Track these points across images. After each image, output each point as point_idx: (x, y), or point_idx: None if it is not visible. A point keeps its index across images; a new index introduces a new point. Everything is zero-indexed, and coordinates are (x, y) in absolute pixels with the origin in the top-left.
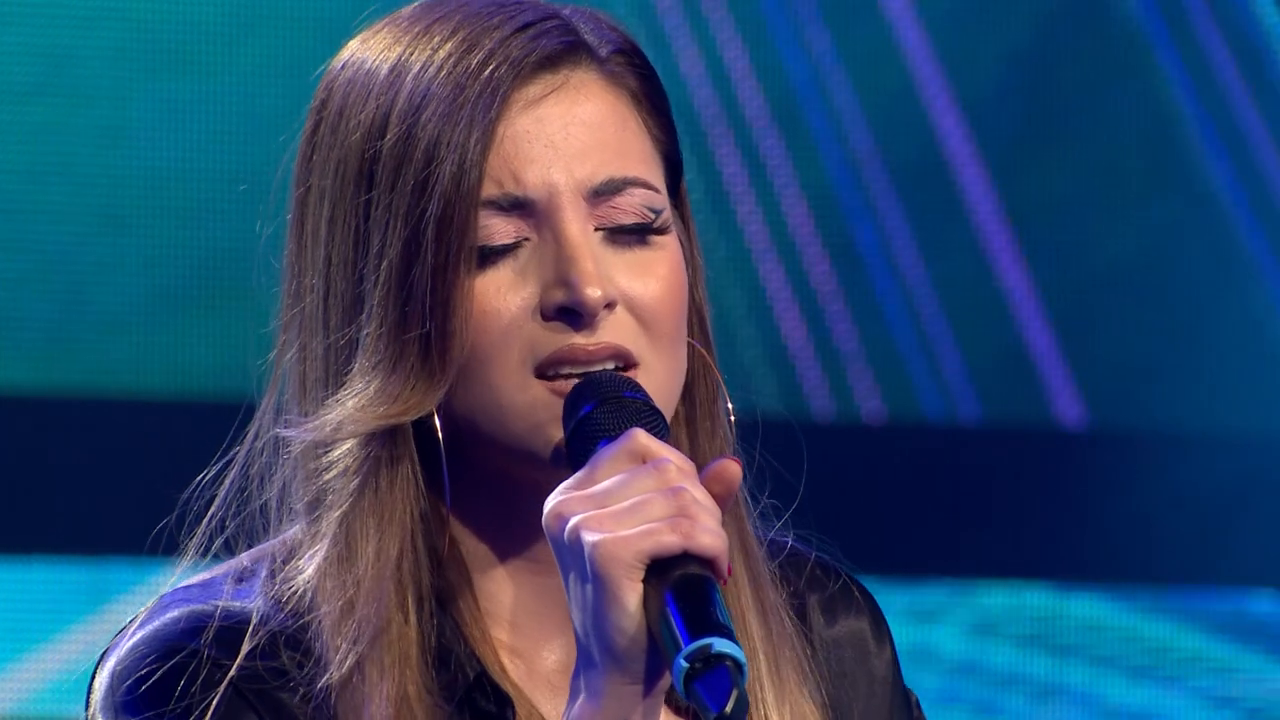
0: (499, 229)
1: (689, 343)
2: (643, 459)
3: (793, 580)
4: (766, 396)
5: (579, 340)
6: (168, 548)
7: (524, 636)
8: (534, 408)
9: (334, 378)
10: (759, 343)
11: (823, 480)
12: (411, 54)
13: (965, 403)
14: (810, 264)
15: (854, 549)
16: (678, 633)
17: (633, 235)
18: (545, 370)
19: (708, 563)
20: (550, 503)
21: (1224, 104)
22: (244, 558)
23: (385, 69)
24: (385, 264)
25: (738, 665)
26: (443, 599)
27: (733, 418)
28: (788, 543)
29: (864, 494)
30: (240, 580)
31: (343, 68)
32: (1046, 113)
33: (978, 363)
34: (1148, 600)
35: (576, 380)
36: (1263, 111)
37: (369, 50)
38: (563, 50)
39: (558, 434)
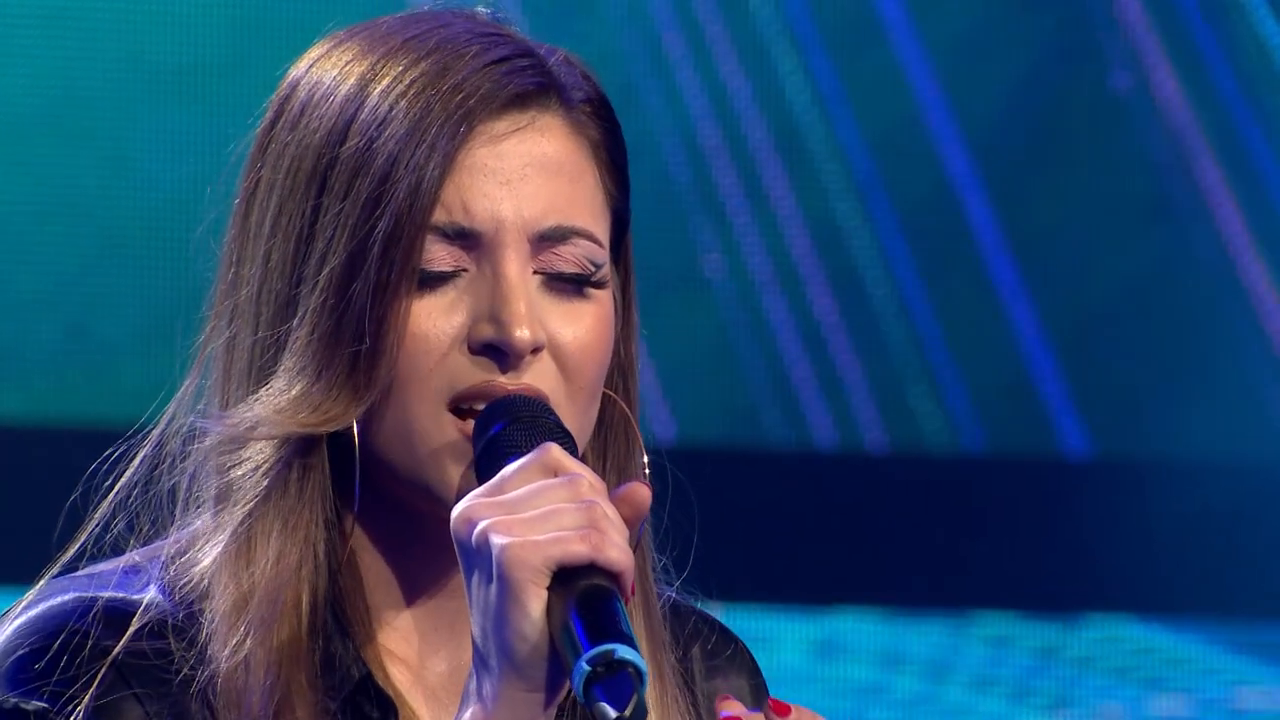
0: (439, 256)
1: (611, 396)
2: (555, 472)
3: (675, 631)
4: (770, 427)
5: (501, 380)
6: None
7: (410, 648)
8: (443, 446)
9: (257, 374)
10: (762, 373)
11: (826, 510)
12: (382, 68)
13: (969, 432)
14: (813, 294)
15: (858, 578)
16: (579, 639)
17: (569, 285)
18: (460, 403)
19: (613, 577)
20: (459, 507)
21: (1227, 131)
22: (135, 554)
23: (353, 78)
24: (326, 272)
25: (638, 672)
26: (335, 605)
27: (647, 471)
28: (671, 595)
29: (867, 524)
30: (130, 573)
31: (310, 67)
32: (1049, 141)
33: (981, 392)
34: (1154, 627)
35: None
36: (1266, 137)
37: (339, 55)
38: (534, 90)
39: (459, 477)
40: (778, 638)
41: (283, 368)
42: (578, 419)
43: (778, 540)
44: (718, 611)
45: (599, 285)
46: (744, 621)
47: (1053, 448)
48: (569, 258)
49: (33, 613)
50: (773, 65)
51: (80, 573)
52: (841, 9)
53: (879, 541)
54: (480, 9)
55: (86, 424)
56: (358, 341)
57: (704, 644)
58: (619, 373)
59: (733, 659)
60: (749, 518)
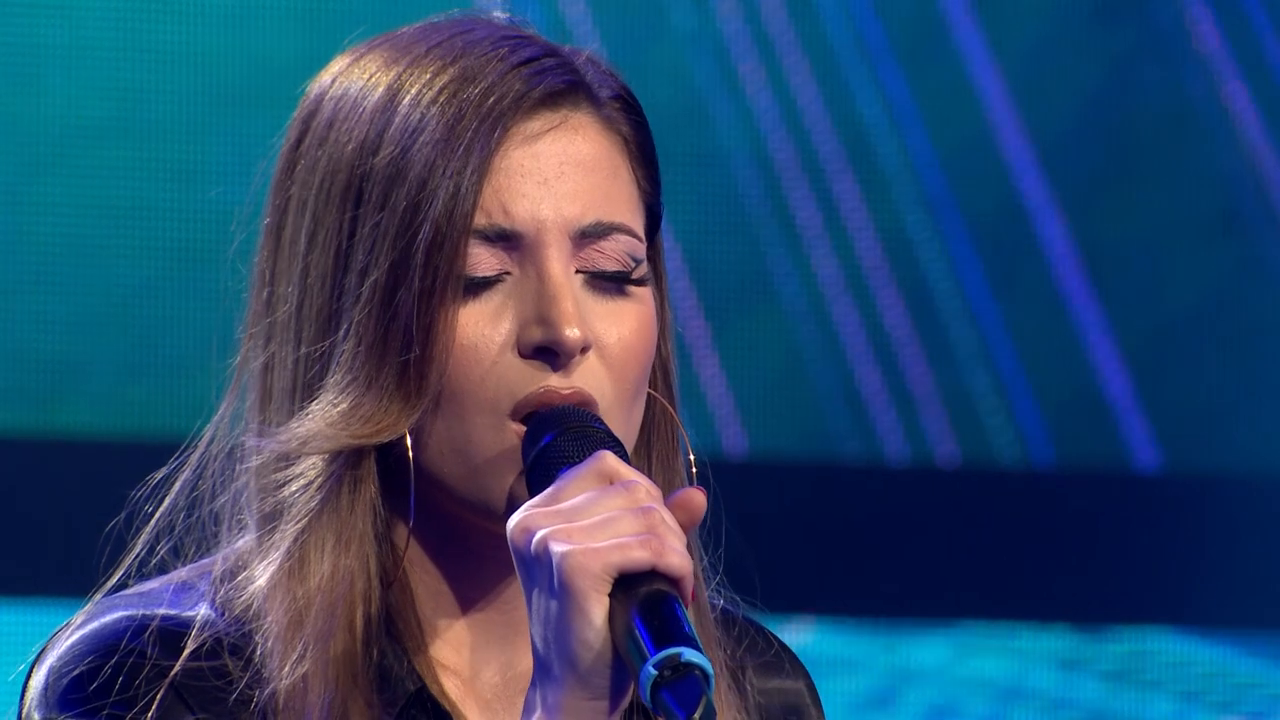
0: (483, 260)
1: (651, 394)
2: (610, 480)
3: (724, 639)
4: (840, 440)
5: (554, 384)
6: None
7: (462, 659)
8: (500, 455)
9: (302, 391)
10: (833, 386)
11: (897, 524)
12: (409, 76)
13: (1040, 446)
14: (884, 307)
15: (929, 592)
16: (644, 643)
17: (612, 282)
18: (521, 411)
19: (674, 582)
20: (516, 518)
21: None
22: (182, 571)
23: (381, 89)
24: (369, 284)
25: (705, 675)
26: (387, 617)
27: (694, 469)
28: (719, 604)
29: (939, 538)
30: (180, 591)
31: (333, 82)
32: (1121, 155)
33: (1052, 406)
34: (1227, 644)
35: None
36: None
37: (362, 69)
38: (564, 89)
39: (512, 486)
40: (848, 653)
41: (330, 382)
42: (625, 420)
43: (847, 554)
44: (785, 624)
45: (640, 283)
46: (813, 635)
47: (1123, 462)
48: (610, 254)
49: (85, 631)
50: (844, 78)
51: (130, 591)
52: (912, 22)
53: (949, 556)
54: (496, 13)
55: (155, 438)
56: (406, 351)
57: (753, 647)
58: (659, 370)
59: (784, 661)
60: (819, 531)
